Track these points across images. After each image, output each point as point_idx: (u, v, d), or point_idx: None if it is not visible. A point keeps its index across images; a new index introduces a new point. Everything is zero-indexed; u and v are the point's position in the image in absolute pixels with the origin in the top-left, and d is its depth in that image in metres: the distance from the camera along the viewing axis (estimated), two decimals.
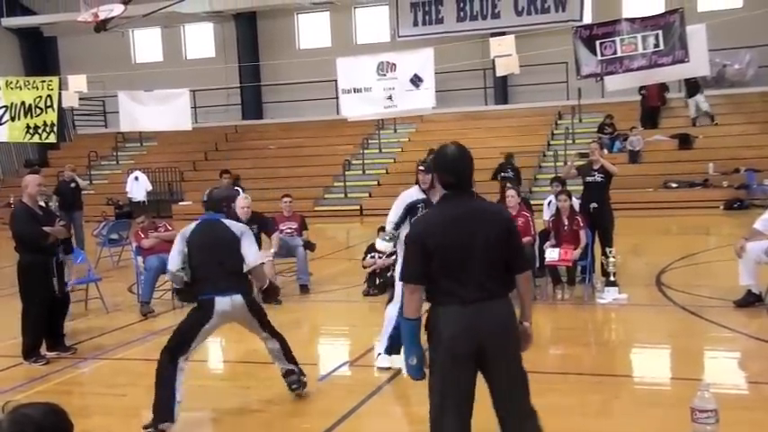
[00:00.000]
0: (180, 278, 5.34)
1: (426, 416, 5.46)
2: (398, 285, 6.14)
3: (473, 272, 3.44)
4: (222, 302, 5.10)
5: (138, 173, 20.88)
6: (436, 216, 3.67)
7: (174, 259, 5.31)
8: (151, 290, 8.97)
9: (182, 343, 5.12)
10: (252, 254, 5.31)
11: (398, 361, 6.15)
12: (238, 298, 5.16)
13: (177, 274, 5.31)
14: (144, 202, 19.60)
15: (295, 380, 5.51)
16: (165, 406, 4.99)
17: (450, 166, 3.55)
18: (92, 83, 13.92)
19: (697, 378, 5.93)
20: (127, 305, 9.41)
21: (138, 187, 20.37)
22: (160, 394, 5.04)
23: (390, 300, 6.36)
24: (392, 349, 6.13)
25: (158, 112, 13.36)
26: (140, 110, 13.44)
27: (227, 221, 5.43)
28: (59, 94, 12.54)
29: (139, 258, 9.40)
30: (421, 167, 6.24)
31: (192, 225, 5.39)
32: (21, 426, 1.85)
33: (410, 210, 6.13)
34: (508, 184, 9.83)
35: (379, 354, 6.29)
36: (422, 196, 6.17)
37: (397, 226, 6.14)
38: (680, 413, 4.65)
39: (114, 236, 13.17)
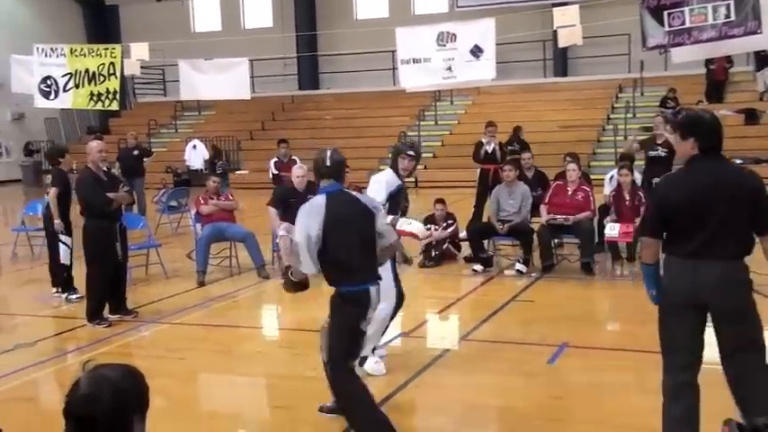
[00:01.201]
0: (306, 276, 4.37)
1: (480, 386, 5.45)
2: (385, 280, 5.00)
3: (706, 230, 3.61)
4: (374, 293, 4.27)
5: (196, 141, 21.15)
6: (687, 176, 3.80)
7: (308, 259, 4.20)
8: (205, 258, 9.03)
9: (348, 350, 4.30)
10: (389, 230, 4.57)
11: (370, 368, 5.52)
12: (378, 288, 4.34)
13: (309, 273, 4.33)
14: (202, 170, 19.89)
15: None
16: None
17: (711, 130, 3.75)
18: (152, 51, 14.09)
19: None
20: (186, 271, 9.60)
21: (197, 156, 20.64)
22: (357, 419, 4.23)
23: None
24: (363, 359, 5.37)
25: (218, 81, 13.48)
26: (200, 78, 13.58)
27: (355, 193, 4.63)
28: (122, 62, 12.75)
29: (198, 225, 9.55)
30: (410, 152, 5.64)
31: (318, 202, 4.29)
32: (98, 386, 1.88)
33: (393, 196, 5.53)
34: (568, 158, 9.63)
35: (366, 357, 5.46)
36: (399, 182, 5.62)
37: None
38: None
39: (173, 203, 13.45)
